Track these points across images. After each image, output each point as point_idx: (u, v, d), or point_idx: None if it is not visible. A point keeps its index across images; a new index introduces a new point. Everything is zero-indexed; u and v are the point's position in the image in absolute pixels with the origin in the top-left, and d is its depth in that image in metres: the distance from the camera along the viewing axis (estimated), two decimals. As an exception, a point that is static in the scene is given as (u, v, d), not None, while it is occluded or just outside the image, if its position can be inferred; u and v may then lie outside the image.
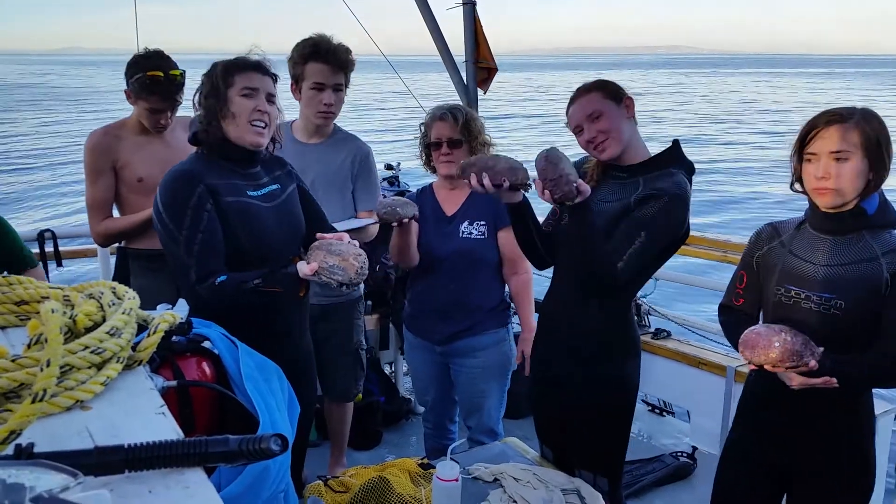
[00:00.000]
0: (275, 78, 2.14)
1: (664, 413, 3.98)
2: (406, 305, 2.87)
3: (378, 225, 2.91)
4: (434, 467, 2.14)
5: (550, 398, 2.38)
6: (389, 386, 4.00)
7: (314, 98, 2.71)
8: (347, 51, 2.71)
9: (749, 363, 1.84)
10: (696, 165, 2.17)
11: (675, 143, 2.19)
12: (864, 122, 1.77)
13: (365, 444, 3.65)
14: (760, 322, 1.99)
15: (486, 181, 2.03)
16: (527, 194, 2.15)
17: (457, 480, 1.92)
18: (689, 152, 2.18)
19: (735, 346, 1.92)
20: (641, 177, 2.12)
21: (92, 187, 2.73)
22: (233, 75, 2.05)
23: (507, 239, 2.65)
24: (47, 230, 3.26)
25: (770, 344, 1.77)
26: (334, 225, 2.37)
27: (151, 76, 2.61)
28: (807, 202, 1.92)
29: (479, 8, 3.79)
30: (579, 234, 2.02)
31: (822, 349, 1.76)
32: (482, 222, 2.66)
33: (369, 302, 3.79)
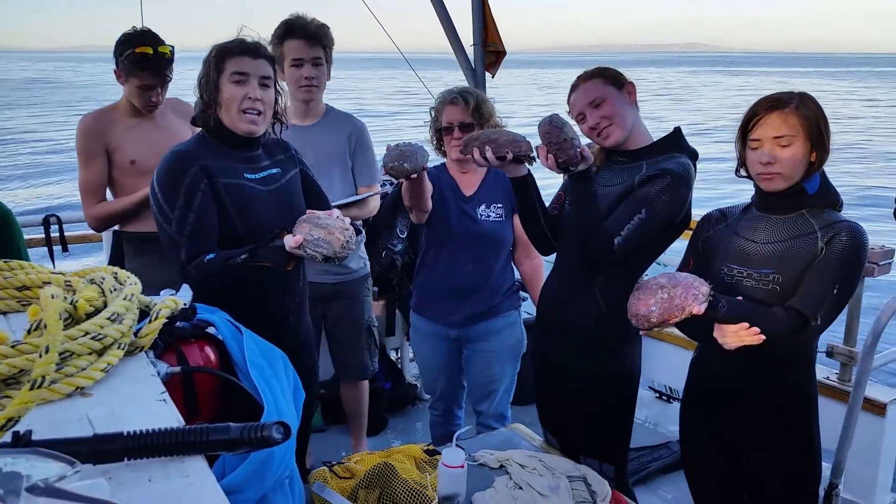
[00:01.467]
0: (271, 60, 2.11)
1: (671, 400, 3.96)
2: (414, 292, 2.85)
3: (378, 198, 2.88)
4: (440, 453, 2.14)
5: (552, 385, 2.37)
6: (395, 372, 4.00)
7: (295, 74, 2.71)
8: (323, 26, 2.71)
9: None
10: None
11: (677, 129, 2.18)
12: (803, 106, 1.81)
13: (371, 430, 3.64)
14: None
15: (489, 154, 2.01)
16: (532, 172, 2.14)
17: (462, 467, 1.92)
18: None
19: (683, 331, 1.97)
20: (645, 160, 2.12)
21: (85, 171, 2.72)
22: (224, 61, 2.02)
23: None
24: (52, 215, 3.25)
25: (648, 309, 1.78)
26: (334, 203, 2.34)
27: (140, 52, 2.60)
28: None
29: (491, 3, 3.73)
30: (580, 204, 2.02)
31: (709, 287, 1.76)
32: (499, 205, 2.64)
33: (375, 288, 3.77)
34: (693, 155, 2.14)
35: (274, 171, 2.16)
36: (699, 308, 1.73)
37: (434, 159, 2.78)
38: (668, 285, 1.77)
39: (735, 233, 1.95)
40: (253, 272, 1.97)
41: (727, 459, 2.04)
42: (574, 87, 2.17)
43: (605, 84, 2.12)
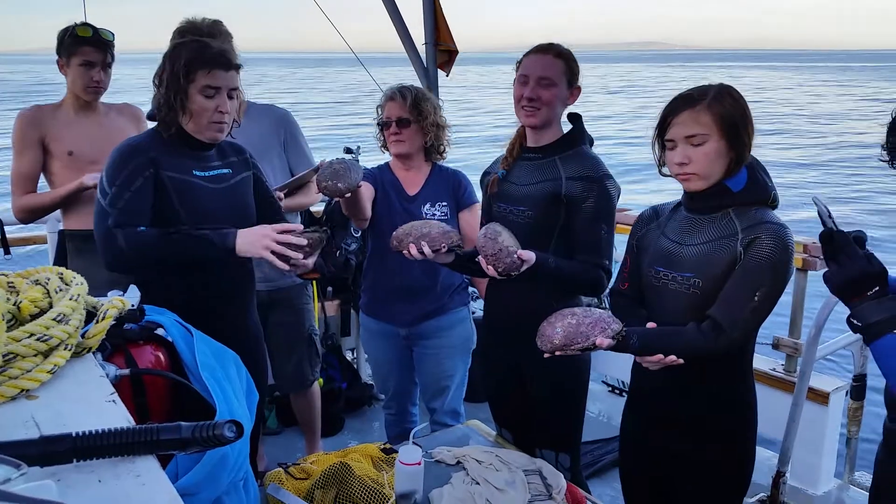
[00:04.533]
0: (238, 69, 2.09)
1: (623, 393, 4.03)
2: (363, 293, 2.83)
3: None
4: (396, 452, 2.13)
5: (502, 382, 2.39)
6: (352, 372, 3.98)
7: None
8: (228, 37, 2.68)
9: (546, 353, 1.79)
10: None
11: (578, 117, 2.24)
12: (715, 102, 1.72)
13: (327, 431, 3.62)
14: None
15: (427, 249, 2.03)
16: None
17: (419, 464, 1.92)
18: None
19: None
20: (556, 156, 2.18)
21: (17, 160, 2.70)
22: (195, 71, 2.00)
23: (467, 220, 2.64)
24: (-7, 218, 3.15)
25: (553, 330, 1.76)
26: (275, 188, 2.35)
27: (81, 32, 2.66)
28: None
29: (447, 4, 3.74)
30: (556, 281, 2.09)
31: (621, 326, 1.72)
32: (444, 203, 2.64)
33: (330, 288, 3.75)
34: (591, 142, 2.26)
35: (224, 171, 2.15)
36: (602, 340, 1.70)
37: (380, 158, 2.78)
38: (581, 314, 1.76)
39: (663, 233, 1.90)
40: (187, 252, 1.96)
41: (653, 461, 1.99)
42: (538, 51, 2.16)
43: (563, 72, 2.13)
